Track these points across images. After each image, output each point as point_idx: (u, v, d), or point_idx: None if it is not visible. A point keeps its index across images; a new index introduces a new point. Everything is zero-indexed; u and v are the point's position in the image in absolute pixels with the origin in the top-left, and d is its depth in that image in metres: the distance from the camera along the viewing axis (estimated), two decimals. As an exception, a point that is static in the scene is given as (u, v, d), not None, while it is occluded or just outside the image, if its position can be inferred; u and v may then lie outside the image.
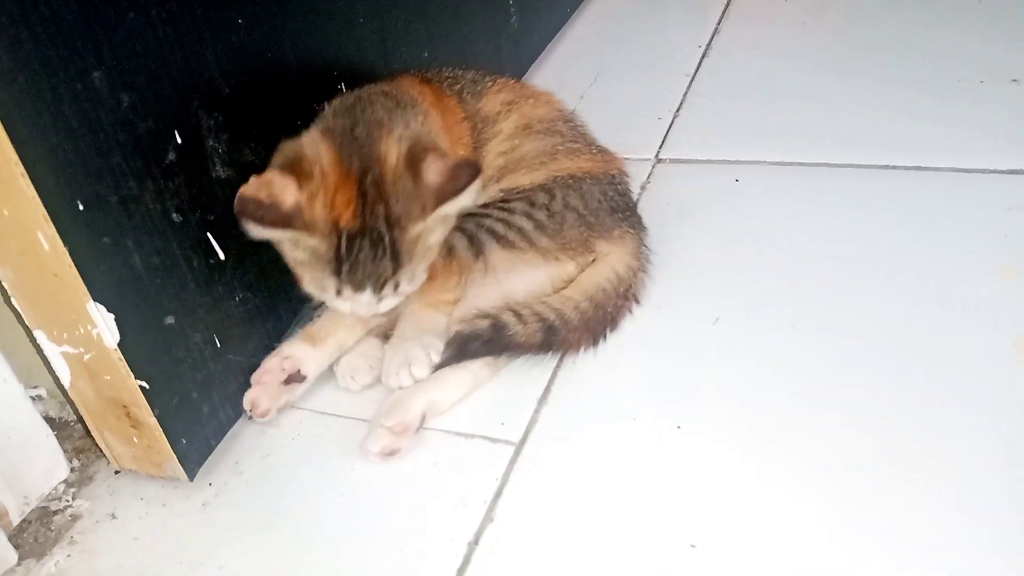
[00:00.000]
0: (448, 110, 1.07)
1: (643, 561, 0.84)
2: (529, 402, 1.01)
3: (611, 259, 1.09)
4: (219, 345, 0.97)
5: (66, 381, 0.91)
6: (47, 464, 1.00)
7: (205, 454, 0.99)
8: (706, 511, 0.87)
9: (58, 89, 0.75)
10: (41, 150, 0.75)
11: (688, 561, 0.83)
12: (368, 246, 0.90)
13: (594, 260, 1.09)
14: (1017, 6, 1.63)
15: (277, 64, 0.99)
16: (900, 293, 1.07)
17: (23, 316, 0.87)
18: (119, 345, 0.85)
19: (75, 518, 0.97)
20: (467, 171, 0.91)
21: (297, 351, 1.03)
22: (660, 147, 1.43)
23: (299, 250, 0.92)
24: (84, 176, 0.79)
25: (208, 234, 0.94)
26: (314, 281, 0.93)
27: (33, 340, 0.89)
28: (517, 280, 1.06)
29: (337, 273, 0.91)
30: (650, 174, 1.37)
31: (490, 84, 1.14)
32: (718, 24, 1.76)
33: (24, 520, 0.97)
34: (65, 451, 1.02)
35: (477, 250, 1.03)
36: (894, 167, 1.29)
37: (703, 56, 1.66)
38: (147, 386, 0.89)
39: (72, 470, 1.02)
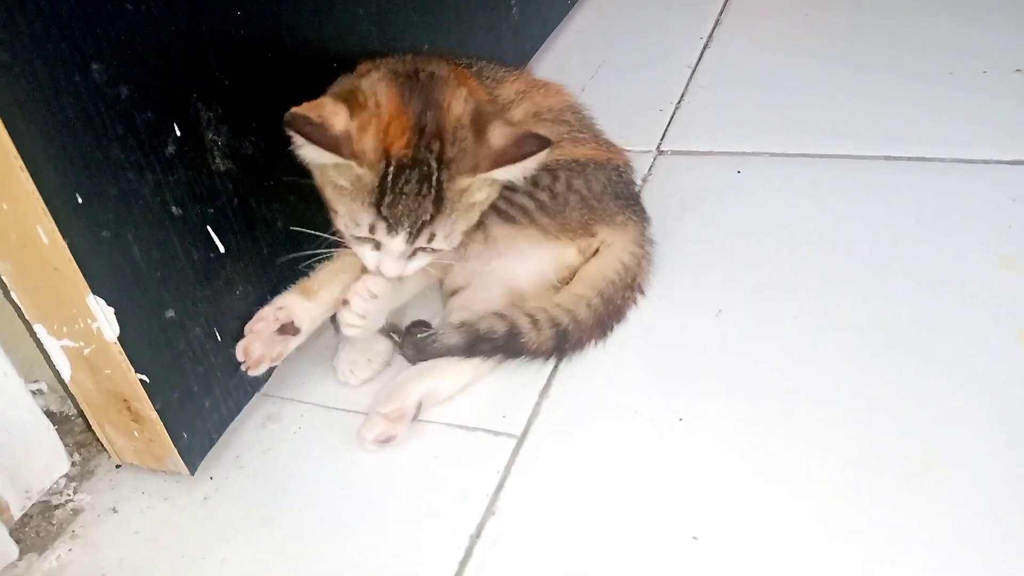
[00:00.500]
0: (473, 90, 1.06)
1: (646, 553, 0.83)
2: (531, 395, 1.01)
3: (615, 248, 1.09)
4: (220, 339, 0.97)
5: (66, 375, 0.91)
6: (48, 458, 1.00)
7: (206, 448, 0.99)
8: (708, 503, 0.87)
9: (57, 82, 0.74)
10: (40, 143, 0.74)
11: (690, 553, 0.83)
12: (415, 179, 0.88)
13: (598, 250, 1.09)
14: (1020, -4, 1.63)
15: (277, 56, 0.99)
16: (902, 284, 1.07)
17: (23, 310, 0.87)
18: (119, 339, 0.85)
19: (76, 512, 0.97)
20: (535, 141, 0.91)
21: (291, 302, 0.99)
22: (662, 139, 1.43)
23: (341, 177, 0.90)
24: (83, 169, 0.78)
25: (208, 227, 0.93)
26: (348, 214, 0.91)
27: (33, 334, 0.88)
28: (517, 261, 1.06)
29: (377, 205, 0.89)
30: (651, 166, 1.37)
31: (505, 73, 1.14)
32: (719, 16, 1.76)
33: (25, 514, 0.97)
34: (66, 445, 1.02)
35: (479, 222, 1.02)
36: (896, 158, 1.28)
37: (704, 48, 1.66)
38: (148, 380, 0.89)
39: (73, 464, 1.02)
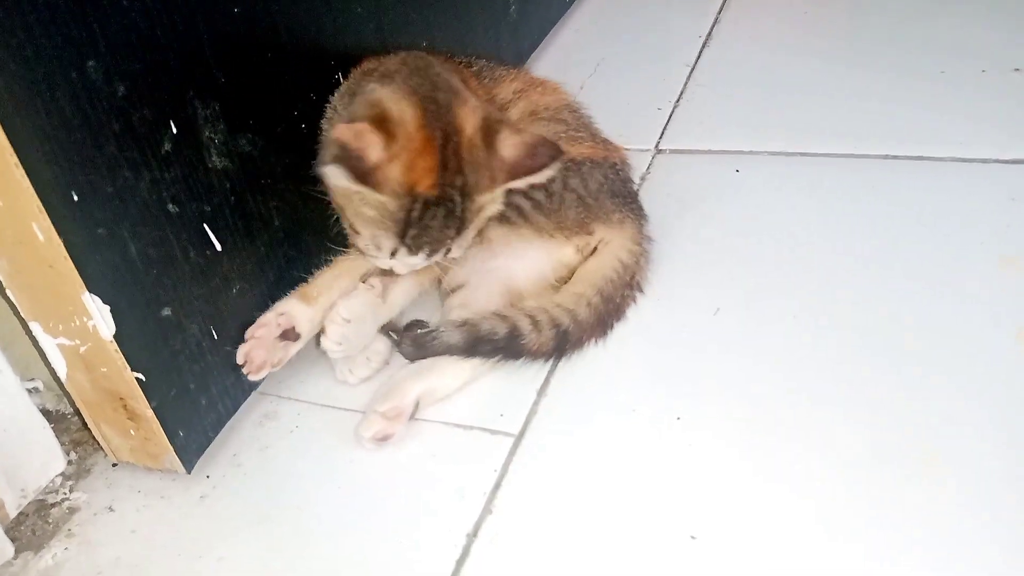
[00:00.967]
0: (473, 90, 1.06)
1: (644, 553, 0.83)
2: (528, 394, 1.01)
3: (613, 246, 1.08)
4: (216, 337, 0.96)
5: (62, 373, 0.91)
6: (44, 457, 0.99)
7: (203, 446, 0.98)
8: (706, 503, 0.87)
9: (52, 78, 0.74)
10: (35, 140, 0.74)
11: (688, 552, 0.82)
12: (442, 215, 0.89)
13: (596, 249, 1.09)
14: (1019, -5, 1.63)
15: (274, 53, 0.98)
16: (901, 283, 1.06)
17: (18, 308, 0.86)
18: (115, 337, 0.85)
19: (72, 511, 0.97)
20: (547, 151, 0.91)
21: (292, 308, 1.00)
22: (660, 137, 1.42)
23: (367, 205, 0.90)
24: (79, 166, 0.78)
25: (205, 225, 0.93)
26: (371, 238, 0.92)
27: (29, 332, 0.88)
28: (514, 261, 1.06)
29: (401, 235, 0.90)
30: (650, 164, 1.36)
31: (503, 72, 1.14)
32: (718, 14, 1.75)
33: (21, 513, 0.97)
34: (62, 444, 1.01)
35: None
36: (895, 157, 1.28)
37: (703, 46, 1.66)
38: (144, 378, 0.88)
39: (69, 463, 1.02)
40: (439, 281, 1.10)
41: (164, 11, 0.83)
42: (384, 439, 0.96)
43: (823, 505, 0.85)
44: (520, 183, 0.93)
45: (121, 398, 0.90)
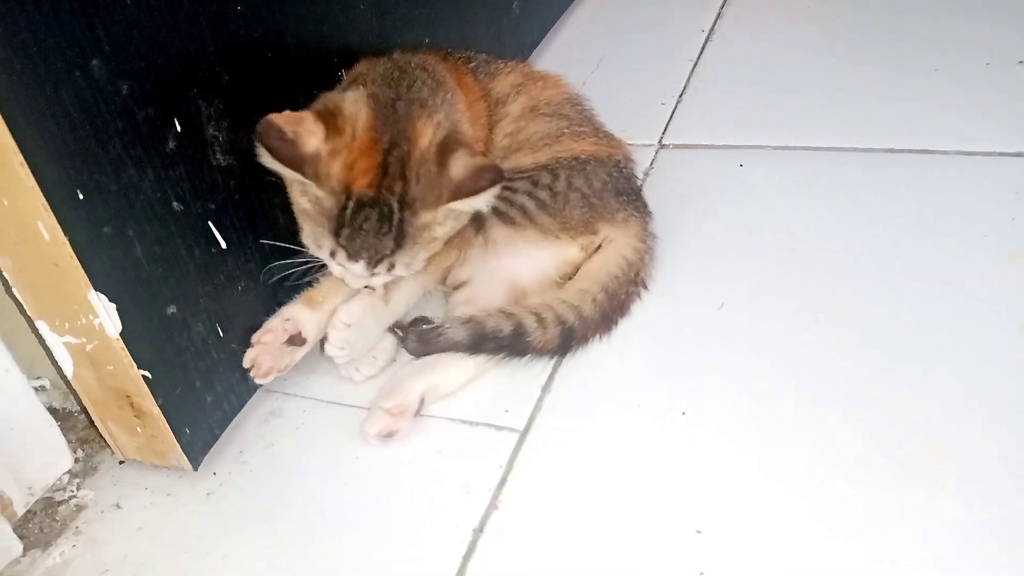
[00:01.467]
0: (467, 88, 1.06)
1: (649, 547, 0.83)
2: (533, 389, 1.01)
3: (618, 244, 1.08)
4: (222, 334, 0.96)
5: (69, 371, 0.91)
6: (51, 455, 1.00)
7: (209, 443, 0.99)
8: (711, 497, 0.87)
9: (57, 77, 0.74)
10: (40, 139, 0.74)
11: (694, 547, 0.83)
12: (375, 218, 0.89)
13: (600, 246, 1.09)
14: (1023, -12, 1.62)
15: (277, 51, 0.98)
16: (905, 278, 1.06)
17: (24, 306, 0.86)
18: (121, 335, 0.85)
19: (80, 508, 0.97)
20: (489, 175, 0.91)
21: (298, 313, 1.01)
22: (663, 132, 1.42)
23: (305, 198, 0.91)
24: (84, 165, 0.78)
25: (209, 223, 0.93)
26: (312, 235, 0.93)
27: (35, 330, 0.88)
28: (518, 261, 1.06)
29: (336, 234, 0.90)
30: (653, 160, 1.36)
31: (501, 66, 1.14)
32: (721, 9, 1.75)
33: (29, 511, 0.97)
34: (69, 441, 1.02)
35: (478, 225, 1.03)
36: (899, 151, 1.28)
37: (706, 41, 1.65)
38: (150, 376, 0.89)
39: (76, 460, 1.02)
40: (443, 279, 1.10)
41: (167, 10, 0.83)
42: (389, 435, 0.96)
43: (825, 501, 0.85)
44: (461, 205, 0.92)
45: (127, 396, 0.91)
